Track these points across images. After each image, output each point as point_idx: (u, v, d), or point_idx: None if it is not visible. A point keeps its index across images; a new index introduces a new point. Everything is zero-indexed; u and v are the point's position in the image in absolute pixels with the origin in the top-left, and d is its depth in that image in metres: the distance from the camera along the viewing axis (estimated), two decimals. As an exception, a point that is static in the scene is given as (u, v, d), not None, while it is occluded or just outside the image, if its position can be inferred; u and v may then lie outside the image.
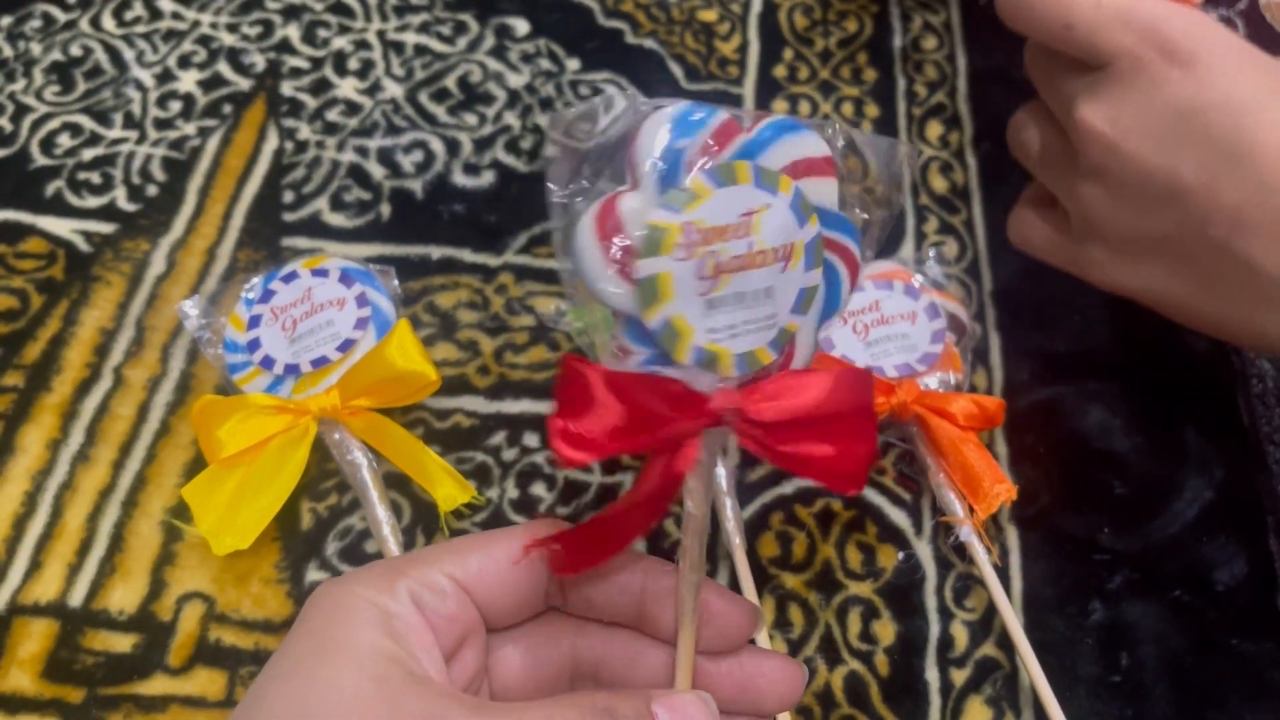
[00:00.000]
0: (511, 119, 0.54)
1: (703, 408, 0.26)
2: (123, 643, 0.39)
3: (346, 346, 0.43)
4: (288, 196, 0.51)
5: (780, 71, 0.57)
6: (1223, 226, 0.36)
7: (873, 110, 0.55)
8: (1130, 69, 0.38)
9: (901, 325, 0.44)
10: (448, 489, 0.41)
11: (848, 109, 0.55)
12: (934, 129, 0.55)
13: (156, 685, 0.38)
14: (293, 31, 0.57)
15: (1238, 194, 0.36)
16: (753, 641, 0.39)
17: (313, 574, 0.41)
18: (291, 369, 0.43)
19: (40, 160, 0.51)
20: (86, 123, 0.53)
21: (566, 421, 0.25)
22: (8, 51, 0.55)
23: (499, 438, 0.44)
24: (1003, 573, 0.41)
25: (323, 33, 0.57)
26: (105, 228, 0.49)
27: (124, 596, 0.40)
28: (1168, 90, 0.37)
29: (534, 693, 0.30)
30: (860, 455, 0.27)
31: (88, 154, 0.52)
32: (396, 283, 0.46)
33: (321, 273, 0.45)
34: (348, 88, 0.55)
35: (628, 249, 0.25)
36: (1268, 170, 0.35)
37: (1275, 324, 0.37)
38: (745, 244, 0.26)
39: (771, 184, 0.26)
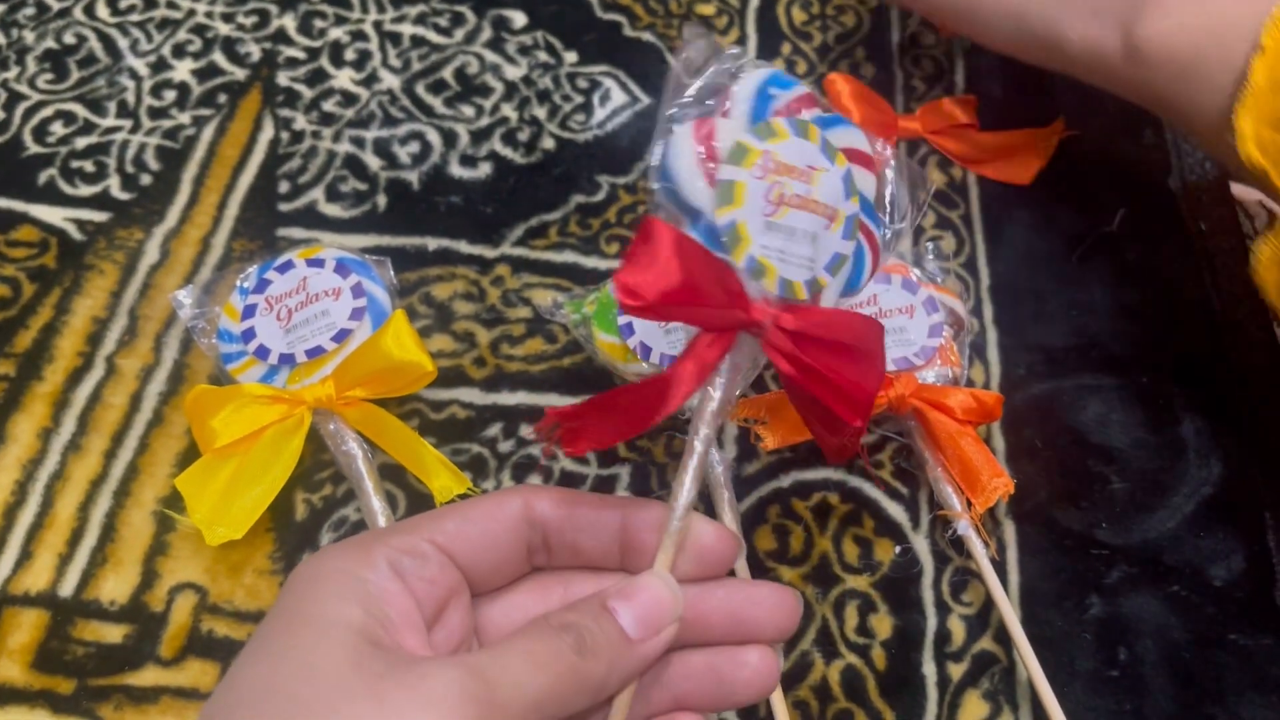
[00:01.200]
0: (509, 111, 0.54)
1: (748, 304, 0.29)
2: (114, 633, 0.39)
3: (342, 337, 0.43)
4: (283, 187, 0.50)
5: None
6: None
7: (871, 105, 0.55)
8: None
9: (899, 319, 0.44)
10: (443, 480, 0.41)
11: (846, 104, 0.55)
12: (932, 124, 0.55)
13: (148, 676, 0.38)
14: (289, 22, 0.56)
15: None
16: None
17: (306, 565, 0.40)
18: (286, 359, 0.42)
19: (33, 148, 0.51)
20: (80, 111, 0.52)
21: (631, 274, 0.28)
22: (0, 39, 0.55)
23: (495, 429, 0.44)
24: (1000, 567, 0.41)
25: (319, 23, 0.56)
26: (98, 216, 0.49)
27: (115, 587, 0.40)
28: None
29: None
30: (868, 388, 0.30)
31: (81, 142, 0.51)
32: (392, 273, 0.46)
33: (317, 263, 0.45)
34: (344, 78, 0.54)
35: (713, 152, 0.30)
36: None
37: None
38: (805, 189, 0.30)
39: (831, 155, 0.31)
